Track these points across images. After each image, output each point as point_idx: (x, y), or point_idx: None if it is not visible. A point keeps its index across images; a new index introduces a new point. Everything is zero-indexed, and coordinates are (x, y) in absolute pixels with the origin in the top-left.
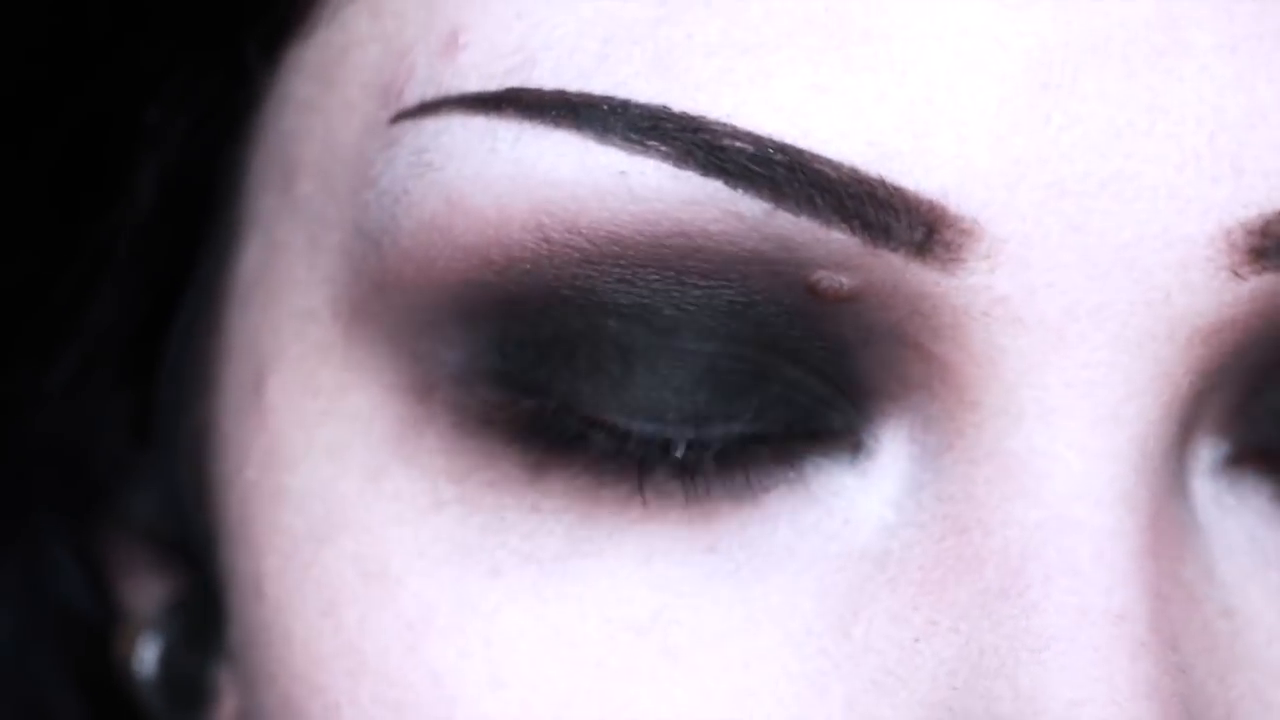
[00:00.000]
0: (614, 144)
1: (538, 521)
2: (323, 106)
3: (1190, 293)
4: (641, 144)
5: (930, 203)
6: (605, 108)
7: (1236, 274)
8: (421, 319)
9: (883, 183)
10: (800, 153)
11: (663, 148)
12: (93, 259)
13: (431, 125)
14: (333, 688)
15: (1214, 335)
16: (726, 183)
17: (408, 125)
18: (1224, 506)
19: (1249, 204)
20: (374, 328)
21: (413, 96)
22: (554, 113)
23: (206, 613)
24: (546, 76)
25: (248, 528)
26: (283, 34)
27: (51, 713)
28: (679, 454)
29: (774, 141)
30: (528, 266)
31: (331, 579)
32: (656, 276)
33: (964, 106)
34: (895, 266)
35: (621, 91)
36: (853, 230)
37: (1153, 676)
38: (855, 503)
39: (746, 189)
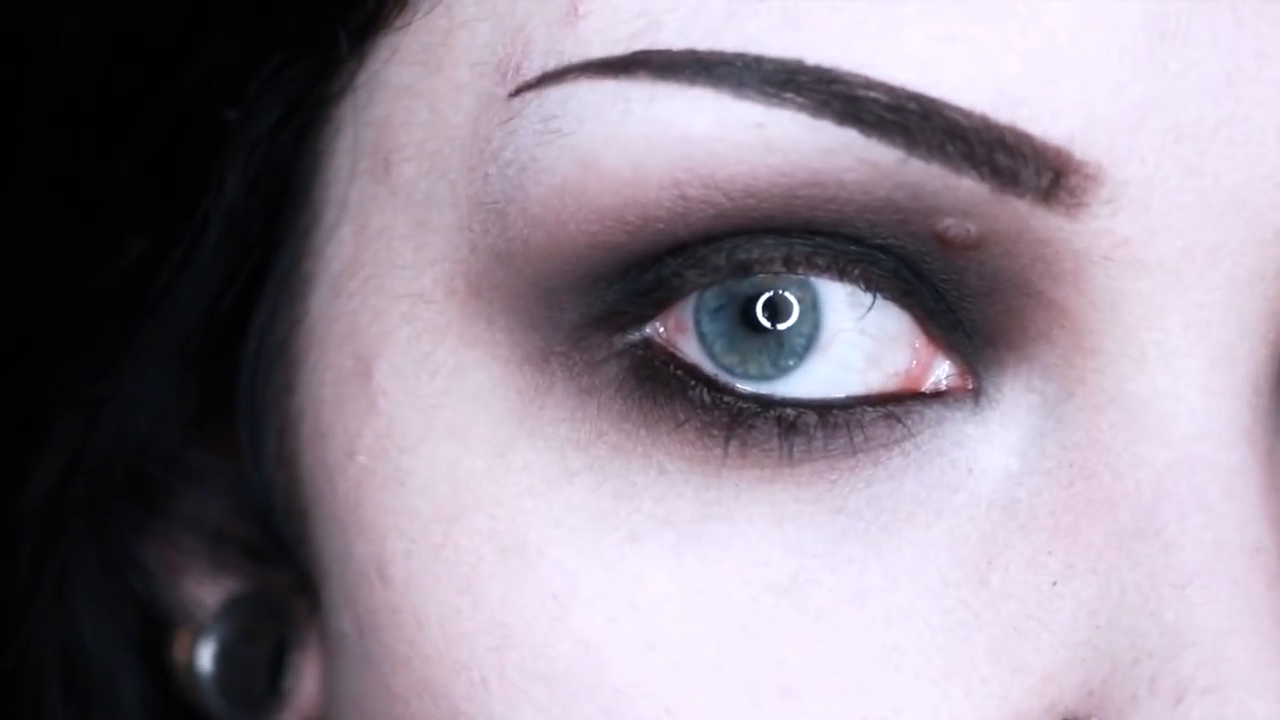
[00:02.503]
0: (750, 98)
1: (666, 484)
2: (425, 90)
3: None
4: (778, 97)
5: (1057, 149)
6: (739, 64)
7: None
8: (544, 286)
9: (1012, 129)
10: (933, 101)
11: (799, 99)
12: (177, 259)
13: (556, 93)
14: (477, 664)
15: None
16: (861, 132)
17: (529, 97)
18: None
19: None
20: (493, 302)
21: (533, 69)
22: (687, 71)
23: (271, 609)
24: (674, 37)
25: (363, 513)
26: (375, 24)
27: (124, 705)
28: (780, 411)
29: (907, 91)
30: (661, 225)
31: (466, 557)
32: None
33: (1086, 54)
34: (1021, 213)
35: (753, 47)
36: (982, 177)
37: None
38: (978, 453)
39: (880, 138)
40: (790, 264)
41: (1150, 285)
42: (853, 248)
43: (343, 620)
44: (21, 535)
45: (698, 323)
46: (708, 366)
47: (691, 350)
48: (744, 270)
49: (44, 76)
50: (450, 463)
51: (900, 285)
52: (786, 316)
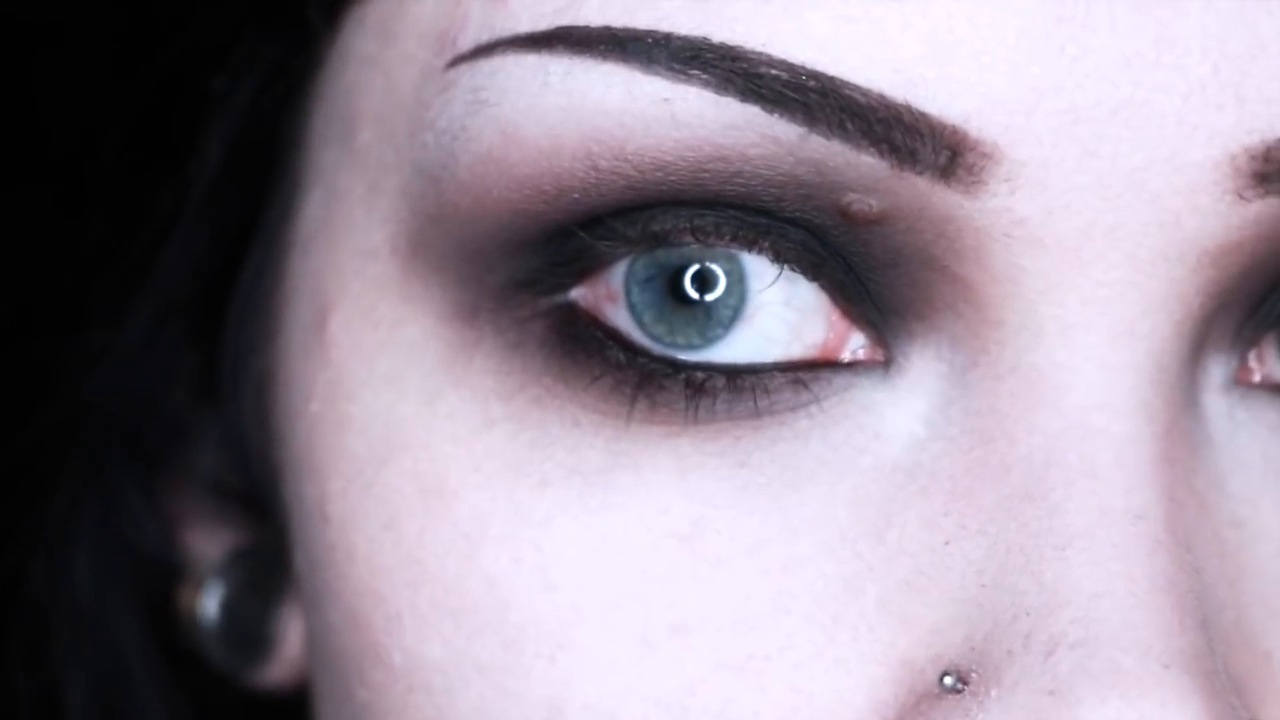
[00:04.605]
0: (658, 74)
1: (579, 435)
2: (382, 60)
3: (1198, 216)
4: (684, 73)
5: (953, 127)
6: (649, 40)
7: (1241, 198)
8: (472, 248)
9: (909, 108)
10: (831, 79)
11: (704, 76)
12: (163, 221)
13: (486, 66)
14: (394, 597)
15: (1222, 257)
16: (763, 108)
17: (463, 68)
18: (1236, 422)
19: (1252, 130)
20: (428, 260)
21: (467, 41)
22: (601, 47)
23: (268, 561)
24: (593, 14)
25: (312, 456)
26: None
27: (124, 653)
28: (690, 374)
29: (807, 69)
30: (576, 195)
31: (392, 495)
32: (695, 203)
33: (984, 37)
34: (921, 190)
35: (664, 25)
36: (881, 154)
37: (1169, 572)
38: (885, 418)
39: (782, 114)
40: (698, 234)
41: (1049, 262)
42: (762, 220)
43: (298, 562)
44: (23, 478)
45: (628, 292)
46: (636, 335)
47: (621, 319)
48: (655, 241)
49: (40, 50)
50: (386, 408)
51: (810, 258)
52: (713, 288)
